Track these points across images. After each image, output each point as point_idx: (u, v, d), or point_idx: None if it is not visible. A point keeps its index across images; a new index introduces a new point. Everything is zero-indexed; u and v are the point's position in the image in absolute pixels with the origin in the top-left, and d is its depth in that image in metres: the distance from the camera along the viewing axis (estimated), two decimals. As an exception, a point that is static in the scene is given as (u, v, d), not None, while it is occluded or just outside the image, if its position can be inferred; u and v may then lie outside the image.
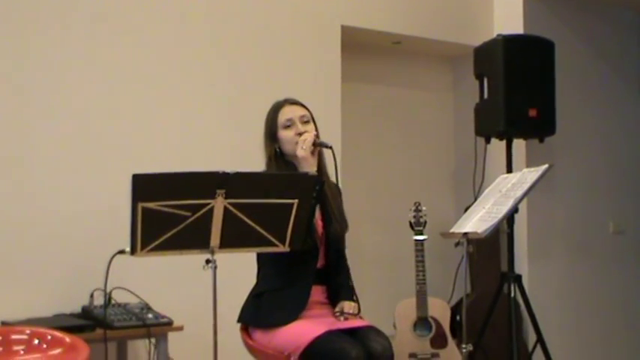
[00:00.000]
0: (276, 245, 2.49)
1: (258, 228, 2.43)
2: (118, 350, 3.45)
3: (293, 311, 2.70)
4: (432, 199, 4.59)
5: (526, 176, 2.77)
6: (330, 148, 2.74)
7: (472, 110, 4.37)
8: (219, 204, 2.34)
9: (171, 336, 3.28)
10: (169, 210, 2.30)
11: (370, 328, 2.70)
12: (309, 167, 2.71)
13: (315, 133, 2.78)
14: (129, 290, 3.34)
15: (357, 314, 2.76)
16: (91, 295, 3.28)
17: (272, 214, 2.43)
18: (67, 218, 3.46)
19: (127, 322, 3.15)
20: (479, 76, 4.31)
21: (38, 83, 3.46)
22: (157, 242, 2.34)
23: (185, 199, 2.30)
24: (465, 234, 2.79)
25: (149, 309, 3.31)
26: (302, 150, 2.72)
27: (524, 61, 4.17)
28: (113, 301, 3.32)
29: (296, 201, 2.43)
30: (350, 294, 2.85)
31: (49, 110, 3.48)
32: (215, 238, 2.41)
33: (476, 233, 2.68)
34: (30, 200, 3.41)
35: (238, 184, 2.35)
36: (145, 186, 2.25)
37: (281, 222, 2.45)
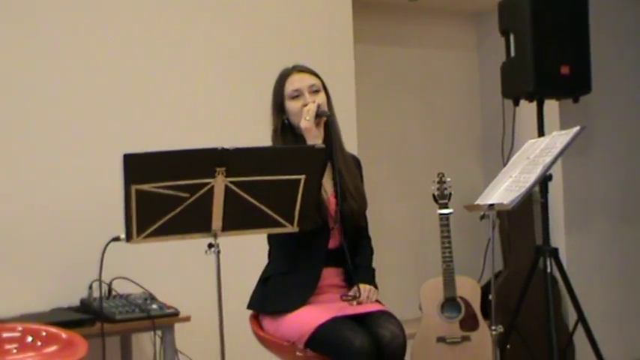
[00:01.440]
0: (283, 225, 2.48)
1: (263, 207, 2.42)
2: (122, 344, 3.48)
3: (300, 296, 2.70)
4: (458, 168, 4.59)
5: (556, 140, 2.73)
6: (327, 115, 2.74)
7: (498, 70, 4.31)
8: (219, 183, 2.33)
9: (178, 327, 3.31)
10: (165, 192, 2.29)
11: (382, 313, 2.69)
12: (314, 139, 2.70)
13: (318, 102, 2.76)
14: (131, 280, 3.37)
15: (370, 299, 2.75)
16: (90, 287, 3.31)
17: (277, 192, 2.42)
18: (61, 206, 3.49)
19: (130, 314, 3.18)
20: (504, 32, 4.25)
21: (26, 72, 3.47)
22: (153, 227, 2.33)
23: (182, 180, 2.29)
24: (491, 206, 2.76)
25: (153, 299, 3.34)
26: (305, 121, 2.71)
27: (554, 13, 4.10)
28: (114, 292, 3.35)
29: (303, 176, 2.42)
30: (368, 276, 2.85)
31: (36, 96, 3.49)
32: (217, 221, 2.40)
33: (502, 205, 2.65)
34: (20, 189, 3.43)
35: (239, 160, 2.33)
36: (137, 167, 2.25)
37: (288, 200, 2.44)
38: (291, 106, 2.79)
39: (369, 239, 2.96)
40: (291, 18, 4.14)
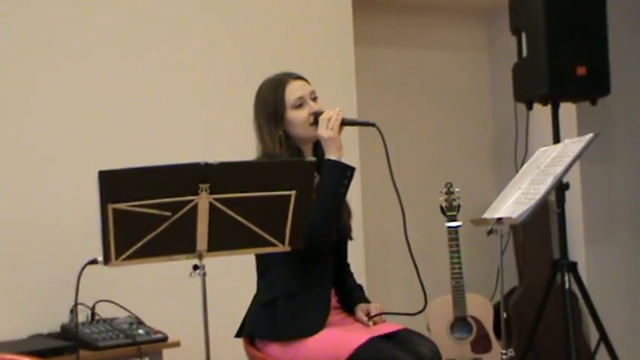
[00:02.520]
0: (274, 245, 2.46)
1: (251, 226, 2.39)
2: (106, 373, 3.46)
3: (318, 318, 2.68)
4: (467, 178, 4.58)
5: (568, 148, 2.72)
6: (374, 125, 2.69)
7: (510, 72, 4.30)
8: (203, 200, 2.31)
9: (167, 354, 3.29)
10: (145, 211, 2.27)
11: (410, 331, 2.71)
12: (338, 150, 2.67)
13: (339, 109, 2.73)
14: (115, 303, 3.35)
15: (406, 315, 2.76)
16: (72, 311, 3.28)
17: (266, 209, 2.40)
18: (41, 225, 3.48)
19: (114, 340, 3.16)
20: (516, 31, 4.25)
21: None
22: (133, 249, 2.31)
23: (163, 198, 2.27)
24: (499, 220, 2.74)
25: (140, 323, 3.33)
26: (329, 130, 2.66)
27: (570, 10, 4.09)
28: (98, 317, 3.34)
29: (293, 192, 2.39)
30: (363, 294, 2.88)
31: (7, 113, 3.49)
32: (202, 241, 2.38)
33: (510, 219, 2.63)
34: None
35: (224, 176, 2.31)
36: (114, 184, 2.23)
37: (278, 217, 2.42)
38: (296, 115, 2.74)
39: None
40: (287, 19, 4.14)
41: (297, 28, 4.16)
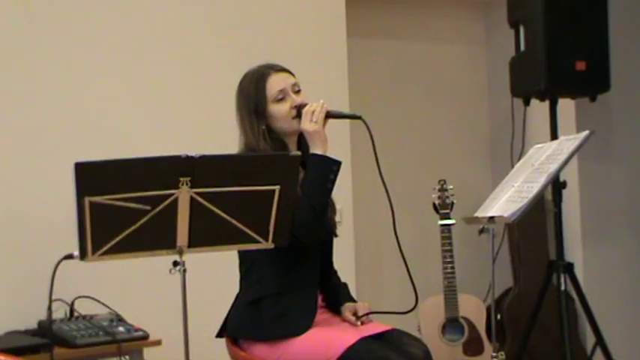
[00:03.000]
0: (257, 241, 2.45)
1: (233, 221, 2.39)
2: (85, 372, 3.45)
3: (305, 318, 2.67)
4: (462, 175, 4.58)
5: (563, 146, 2.71)
6: (360, 118, 2.69)
7: (508, 66, 4.29)
8: (184, 195, 2.30)
9: (148, 352, 3.28)
10: (123, 204, 2.26)
11: (400, 332, 2.72)
12: (323, 143, 2.66)
13: (323, 102, 2.71)
14: (95, 299, 3.35)
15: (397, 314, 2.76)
16: (49, 308, 3.27)
17: (249, 204, 2.39)
18: (22, 219, 3.47)
19: (93, 337, 3.16)
20: (514, 24, 4.24)
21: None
22: (111, 244, 2.30)
23: (142, 191, 2.27)
24: (491, 218, 2.73)
25: (120, 320, 3.32)
26: (313, 123, 2.65)
27: (569, 3, 4.08)
28: (76, 313, 3.33)
29: (277, 187, 2.39)
30: (349, 292, 2.88)
31: None
32: (182, 236, 2.37)
33: (502, 217, 2.62)
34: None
35: (206, 169, 2.31)
36: (90, 177, 2.22)
37: (261, 213, 2.42)
38: (277, 109, 2.73)
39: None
40: (278, 8, 4.13)
41: (288, 18, 4.15)
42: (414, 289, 2.65)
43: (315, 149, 2.66)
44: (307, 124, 2.66)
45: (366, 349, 2.54)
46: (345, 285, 2.91)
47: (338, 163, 2.64)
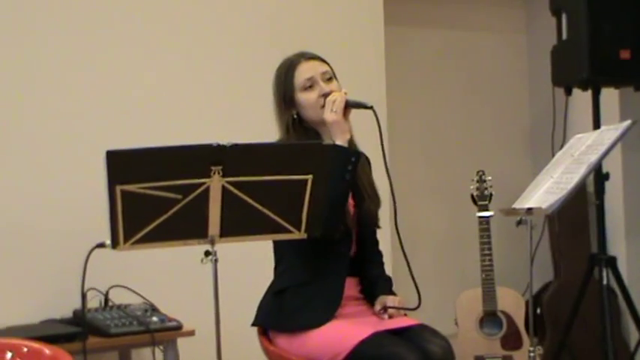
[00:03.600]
0: (290, 231, 2.45)
1: (265, 211, 2.38)
2: (120, 360, 3.49)
3: (326, 310, 2.67)
4: (502, 166, 4.55)
5: (604, 136, 2.66)
6: (371, 108, 2.65)
7: (549, 54, 4.25)
8: (215, 183, 2.30)
9: (182, 342, 3.29)
10: (155, 193, 2.27)
11: (423, 327, 2.68)
12: (343, 134, 2.65)
13: (345, 91, 2.71)
14: (129, 288, 3.37)
15: (404, 310, 2.73)
16: (84, 297, 3.30)
17: (282, 194, 2.39)
18: (54, 207, 3.50)
19: (126, 327, 3.18)
20: (556, 12, 4.21)
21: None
22: (142, 232, 2.31)
23: (173, 180, 2.27)
24: (529, 210, 2.70)
25: (154, 310, 3.34)
26: (333, 113, 2.65)
27: (613, -10, 4.05)
28: (111, 303, 3.36)
29: (310, 177, 2.38)
30: (389, 287, 2.84)
31: (11, 98, 3.50)
32: (214, 226, 2.37)
33: (540, 209, 2.59)
34: (7, 192, 3.45)
35: (238, 158, 2.30)
36: (122, 165, 2.23)
37: (294, 203, 2.41)
38: (305, 97, 2.73)
39: (377, 242, 2.92)
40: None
41: (325, 6, 4.15)
42: (416, 288, 2.62)
43: (336, 139, 2.65)
44: (327, 114, 2.66)
45: (376, 344, 2.52)
46: (387, 278, 2.87)
47: (357, 155, 2.62)
